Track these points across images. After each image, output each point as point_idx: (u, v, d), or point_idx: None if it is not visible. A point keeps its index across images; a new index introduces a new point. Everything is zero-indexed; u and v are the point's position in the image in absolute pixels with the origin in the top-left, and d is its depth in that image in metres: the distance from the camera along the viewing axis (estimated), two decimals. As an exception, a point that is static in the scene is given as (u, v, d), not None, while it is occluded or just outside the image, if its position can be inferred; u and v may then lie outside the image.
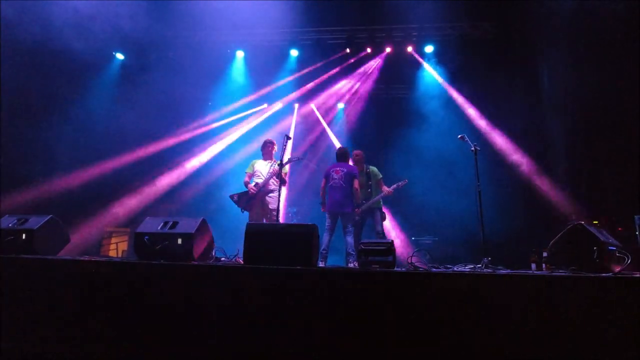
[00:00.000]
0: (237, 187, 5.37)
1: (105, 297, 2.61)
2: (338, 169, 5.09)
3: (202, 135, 8.51)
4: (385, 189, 5.35)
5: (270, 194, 5.10)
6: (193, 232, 3.05)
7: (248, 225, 3.04)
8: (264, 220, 5.07)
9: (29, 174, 6.46)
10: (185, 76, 7.81)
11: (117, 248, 7.74)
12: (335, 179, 5.03)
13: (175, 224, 3.16)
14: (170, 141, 8.13)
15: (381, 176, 5.50)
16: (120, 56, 7.87)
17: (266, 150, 5.26)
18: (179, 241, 3.05)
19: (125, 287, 2.63)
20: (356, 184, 4.99)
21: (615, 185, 5.77)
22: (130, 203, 7.84)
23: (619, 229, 5.24)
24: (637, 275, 2.34)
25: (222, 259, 3.56)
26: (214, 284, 2.60)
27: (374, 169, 5.53)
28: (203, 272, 2.68)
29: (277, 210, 4.63)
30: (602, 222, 5.37)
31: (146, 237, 3.03)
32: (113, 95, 7.66)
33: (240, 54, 8.20)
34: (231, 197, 5.22)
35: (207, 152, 8.49)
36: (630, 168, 5.51)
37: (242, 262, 2.99)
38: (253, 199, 5.07)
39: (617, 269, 2.53)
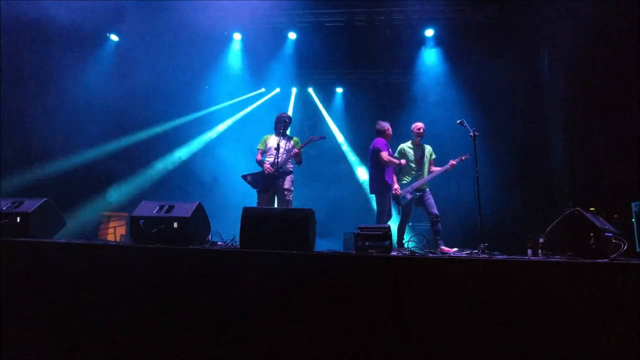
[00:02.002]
0: (237, 172, 5.26)
1: (100, 281, 2.60)
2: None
3: (200, 119, 8.42)
4: (451, 162, 4.94)
5: (287, 176, 4.85)
6: (189, 216, 3.03)
7: (244, 209, 3.02)
8: (276, 203, 4.84)
9: (24, 156, 6.41)
10: (182, 59, 7.68)
11: (115, 232, 7.74)
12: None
13: (171, 208, 3.14)
14: (167, 125, 8.05)
15: (434, 156, 5.17)
16: (114, 37, 7.71)
17: (280, 126, 4.92)
18: (175, 225, 3.03)
19: (120, 271, 2.63)
20: (383, 156, 4.66)
21: (612, 172, 5.77)
22: (129, 187, 7.83)
23: (615, 215, 5.25)
24: (634, 262, 2.34)
25: (219, 243, 3.55)
26: (210, 268, 2.59)
27: (428, 146, 5.18)
28: (199, 256, 2.67)
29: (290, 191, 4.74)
30: (598, 208, 5.37)
31: (142, 221, 3.01)
32: (108, 78, 7.54)
33: (237, 37, 8.04)
34: (244, 177, 4.92)
35: (204, 136, 8.42)
36: (628, 155, 5.50)
37: (239, 247, 2.98)
38: (269, 179, 4.77)
39: (614, 255, 2.53)
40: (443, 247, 4.43)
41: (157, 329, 2.48)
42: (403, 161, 4.91)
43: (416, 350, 2.24)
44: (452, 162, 4.91)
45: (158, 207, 3.15)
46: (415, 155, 5.00)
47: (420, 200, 4.91)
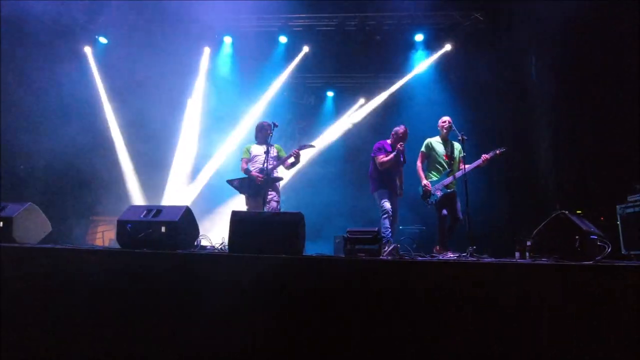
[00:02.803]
0: (226, 175, 5.24)
1: (85, 286, 2.56)
2: None
3: (188, 123, 8.36)
4: (483, 156, 4.53)
5: (275, 183, 4.86)
6: (177, 220, 3.01)
7: (233, 213, 3.00)
8: (265, 209, 4.77)
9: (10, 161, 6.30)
10: (172, 61, 7.63)
11: (103, 237, 7.65)
12: None
13: (158, 212, 3.12)
14: (158, 129, 7.98)
15: (464, 153, 4.50)
16: (103, 40, 7.65)
17: (262, 134, 4.94)
18: (163, 229, 3.00)
19: (106, 276, 2.59)
20: (379, 158, 4.73)
21: (598, 175, 5.87)
22: (119, 191, 7.76)
23: (601, 218, 5.33)
24: (617, 264, 2.38)
25: (208, 247, 3.53)
26: (199, 272, 2.57)
27: (458, 144, 4.71)
28: (187, 260, 2.64)
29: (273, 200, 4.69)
30: (585, 211, 5.46)
31: (129, 225, 2.98)
32: (98, 81, 7.48)
33: (228, 40, 8.03)
34: (230, 182, 4.89)
35: (195, 140, 8.36)
36: (614, 158, 5.61)
37: (227, 251, 2.96)
38: (257, 186, 4.74)
39: (598, 257, 2.57)
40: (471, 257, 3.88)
41: (144, 335, 2.44)
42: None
43: (408, 353, 2.24)
44: (485, 156, 4.53)
45: (145, 211, 3.13)
46: (444, 150, 4.69)
47: (448, 199, 4.56)
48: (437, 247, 4.39)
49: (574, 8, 5.59)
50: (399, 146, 4.65)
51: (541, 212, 5.94)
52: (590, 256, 2.54)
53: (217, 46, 8.10)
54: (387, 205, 4.62)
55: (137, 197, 7.92)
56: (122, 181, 7.90)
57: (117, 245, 3.18)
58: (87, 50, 7.63)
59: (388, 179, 4.78)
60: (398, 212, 4.89)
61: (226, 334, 2.40)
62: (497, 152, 4.58)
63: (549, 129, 6.74)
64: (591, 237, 2.66)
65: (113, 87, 7.63)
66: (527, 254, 3.21)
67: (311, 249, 6.63)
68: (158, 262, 2.62)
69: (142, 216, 3.09)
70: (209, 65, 8.25)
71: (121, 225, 3.01)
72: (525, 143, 6.99)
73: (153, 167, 8.00)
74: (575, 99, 6.20)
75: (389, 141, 4.86)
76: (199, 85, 8.32)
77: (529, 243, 3.19)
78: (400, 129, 4.79)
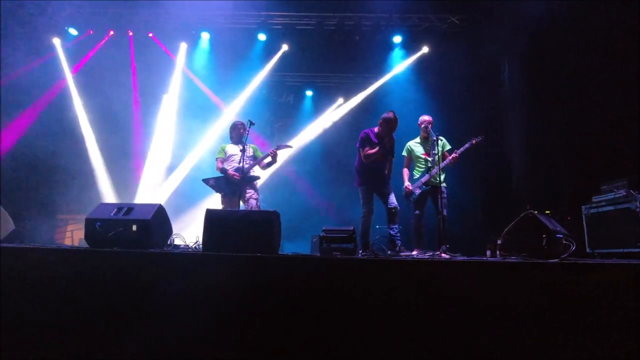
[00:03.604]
0: (201, 175, 5.15)
1: (50, 287, 2.46)
2: None
3: (163, 120, 8.17)
4: (453, 155, 4.52)
5: (252, 182, 4.81)
6: (149, 218, 2.94)
7: (207, 211, 2.96)
8: (245, 207, 4.70)
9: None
10: (146, 56, 7.44)
11: (73, 236, 7.40)
12: None
13: (130, 210, 3.03)
14: (131, 126, 7.77)
15: (449, 147, 4.64)
16: (73, 31, 7.37)
17: (236, 133, 4.92)
18: (134, 228, 2.93)
19: (74, 276, 2.49)
20: (365, 151, 4.33)
21: (567, 177, 6.11)
22: (88, 190, 7.51)
23: (569, 217, 5.55)
24: (581, 262, 2.48)
25: (181, 246, 3.46)
26: (171, 272, 2.51)
27: (442, 139, 4.62)
28: (159, 259, 2.58)
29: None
30: (553, 211, 5.66)
31: (98, 223, 2.88)
32: (67, 73, 7.20)
33: (205, 36, 7.89)
34: (205, 181, 4.80)
35: (170, 138, 8.17)
36: (581, 161, 5.85)
37: (202, 250, 2.91)
38: (233, 184, 4.68)
39: (564, 255, 2.66)
40: (444, 254, 3.69)
41: (111, 337, 2.37)
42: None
43: (385, 350, 2.26)
44: (455, 155, 4.52)
45: (116, 210, 3.04)
46: (423, 149, 4.68)
47: (432, 197, 4.56)
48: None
49: (545, 11, 5.79)
50: (385, 141, 4.41)
51: (513, 211, 6.13)
52: (556, 254, 2.63)
53: (194, 42, 7.95)
54: (367, 206, 4.41)
55: (108, 195, 7.68)
56: (93, 179, 7.66)
57: (86, 245, 3.08)
58: (56, 41, 7.35)
59: (375, 172, 4.42)
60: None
61: (200, 334, 2.36)
62: (474, 141, 4.64)
63: (520, 131, 6.96)
64: (557, 236, 2.76)
65: (84, 81, 7.37)
66: (498, 252, 3.30)
67: (288, 248, 6.63)
68: (128, 262, 2.54)
69: (112, 214, 3.00)
70: (186, 61, 8.08)
71: (90, 223, 2.91)
72: (499, 143, 7.20)
73: (126, 165, 7.78)
74: (545, 101, 6.43)
75: (376, 129, 4.43)
76: (175, 81, 8.14)
77: (499, 242, 3.27)
78: (389, 115, 4.34)
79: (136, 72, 7.49)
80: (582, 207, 5.01)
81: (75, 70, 7.49)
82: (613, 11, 5.31)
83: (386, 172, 4.57)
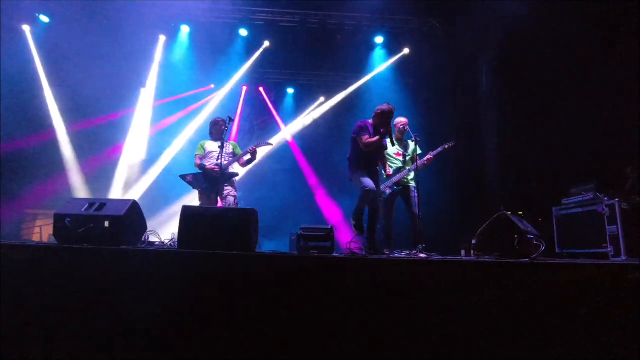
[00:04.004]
0: (179, 171, 5.03)
1: (12, 286, 2.35)
2: None
3: (140, 114, 7.96)
4: (427, 157, 4.54)
5: (231, 179, 4.72)
6: (122, 214, 2.86)
7: (184, 208, 2.90)
8: (223, 204, 4.63)
9: None
10: (123, 47, 7.21)
11: (42, 232, 7.12)
12: None
13: (102, 206, 2.94)
14: (104, 119, 7.53)
15: (420, 151, 4.61)
16: (44, 18, 7.07)
17: (216, 130, 4.82)
18: (106, 224, 2.84)
19: (40, 273, 2.39)
20: (364, 139, 4.03)
21: (538, 180, 6.32)
22: (58, 184, 7.23)
23: (540, 219, 5.74)
24: (550, 262, 2.56)
25: (156, 243, 3.38)
26: (144, 269, 2.45)
27: (413, 143, 4.63)
28: (131, 257, 2.51)
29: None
30: (526, 212, 5.84)
31: (68, 219, 2.78)
32: (37, 62, 6.91)
33: (185, 29, 7.73)
34: (183, 177, 4.68)
35: (146, 132, 7.98)
36: (552, 164, 6.07)
37: (177, 247, 2.85)
38: (212, 181, 4.59)
39: (534, 256, 2.75)
40: (421, 255, 3.74)
41: (79, 339, 2.29)
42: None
43: (357, 349, 2.27)
44: (429, 156, 4.57)
45: (87, 205, 2.94)
46: (397, 149, 4.65)
47: (403, 197, 4.55)
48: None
49: (520, 18, 5.95)
50: (383, 130, 4.24)
51: (488, 212, 6.29)
52: (527, 254, 2.71)
53: (173, 35, 7.77)
54: (369, 183, 3.98)
55: (81, 190, 7.43)
56: (64, 172, 7.38)
57: (55, 242, 2.96)
58: (26, 28, 7.03)
59: (370, 162, 4.21)
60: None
61: (173, 333, 2.31)
62: (447, 146, 4.67)
63: (495, 133, 7.14)
64: (528, 236, 2.84)
65: (54, 70, 7.08)
66: (472, 252, 3.37)
67: (268, 246, 6.59)
68: (98, 259, 2.46)
69: (83, 210, 2.90)
70: (164, 54, 7.89)
71: (59, 219, 2.80)
72: (475, 145, 7.36)
73: (100, 160, 7.55)
74: (519, 105, 6.63)
75: (370, 121, 4.27)
76: (152, 75, 7.94)
77: (474, 242, 3.35)
78: (385, 107, 4.19)
79: (111, 64, 7.25)
80: (553, 208, 5.19)
81: (45, 58, 7.20)
82: (584, 18, 5.52)
83: (377, 168, 4.43)
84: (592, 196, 4.61)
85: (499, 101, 7.04)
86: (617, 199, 4.25)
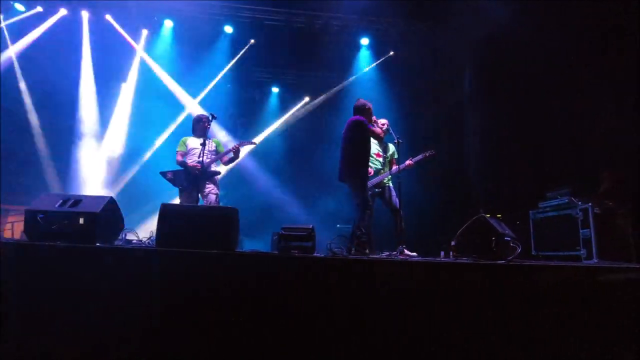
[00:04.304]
0: (159, 169, 4.94)
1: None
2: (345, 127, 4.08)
3: (120, 109, 7.77)
4: (407, 163, 4.60)
5: (212, 177, 4.66)
6: (98, 211, 2.78)
7: (163, 206, 2.84)
8: (204, 202, 4.58)
9: None
10: (103, 40, 7.03)
11: (13, 228, 6.88)
12: (342, 139, 4.05)
13: (77, 202, 2.85)
14: (80, 113, 7.33)
15: (397, 156, 4.59)
16: (20, 7, 6.82)
17: (200, 127, 4.75)
18: (81, 221, 2.75)
19: (10, 271, 2.31)
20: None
21: (517, 183, 6.47)
22: (37, 179, 7.01)
23: (517, 222, 5.88)
24: (525, 263, 2.62)
25: (133, 241, 3.31)
26: (119, 268, 2.39)
27: (392, 146, 4.69)
28: (107, 255, 2.44)
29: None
30: (504, 215, 5.97)
31: (40, 215, 2.69)
32: (10, 50, 6.66)
33: (168, 24, 7.59)
34: (162, 173, 4.59)
35: (125, 127, 7.79)
36: (530, 169, 6.23)
37: (155, 246, 2.79)
38: (194, 179, 4.52)
39: (510, 257, 2.81)
40: (406, 251, 3.83)
41: (50, 342, 2.22)
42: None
43: (336, 349, 2.27)
44: (409, 161, 4.63)
45: (61, 201, 2.85)
46: (377, 149, 4.65)
47: (382, 197, 4.56)
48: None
49: (504, 19, 6.08)
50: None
51: (469, 214, 6.41)
52: (504, 256, 2.77)
53: (156, 29, 7.61)
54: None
55: (57, 186, 7.22)
56: (40, 168, 7.15)
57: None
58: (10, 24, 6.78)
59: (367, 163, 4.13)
60: None
61: (152, 333, 2.26)
62: (427, 154, 4.73)
63: (477, 137, 7.29)
64: (505, 239, 2.90)
65: (29, 61, 6.85)
66: (451, 253, 3.43)
67: (250, 245, 6.54)
68: (72, 257, 2.39)
69: (57, 206, 2.81)
70: (146, 49, 7.73)
71: (30, 215, 2.71)
72: (457, 147, 7.49)
73: (76, 154, 7.34)
74: (500, 110, 6.77)
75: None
76: (134, 69, 7.77)
77: (453, 243, 3.40)
78: (364, 102, 4.26)
79: (90, 57, 7.06)
80: (530, 212, 5.32)
81: (20, 49, 6.95)
82: (564, 24, 5.68)
83: None
84: (567, 200, 4.75)
85: (481, 104, 7.18)
86: (590, 204, 4.39)
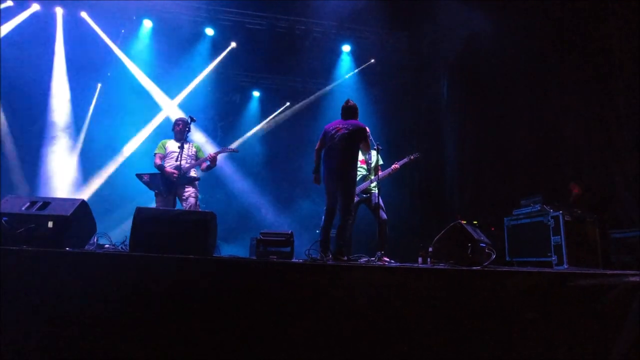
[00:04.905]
0: (135, 170, 4.80)
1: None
2: (341, 126, 3.92)
3: (93, 107, 7.54)
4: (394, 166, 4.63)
5: (192, 182, 4.58)
6: (68, 215, 2.68)
7: (137, 210, 2.76)
8: (183, 205, 4.50)
9: None
10: (77, 38, 6.83)
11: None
12: (336, 139, 3.86)
13: (46, 205, 2.75)
14: (57, 111, 7.08)
15: (382, 162, 4.59)
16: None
17: (178, 130, 4.67)
18: (50, 224, 2.65)
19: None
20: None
21: (493, 191, 6.63)
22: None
23: (492, 228, 6.01)
24: (500, 269, 2.68)
25: (106, 246, 3.20)
26: (90, 273, 2.30)
27: (374, 152, 4.60)
28: (77, 260, 2.35)
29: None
30: (480, 221, 6.11)
31: (5, 218, 2.56)
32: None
33: (147, 24, 7.44)
34: (139, 176, 4.50)
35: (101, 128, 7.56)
36: (505, 177, 6.40)
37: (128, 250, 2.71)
38: (171, 183, 4.43)
39: (485, 263, 2.87)
40: (385, 258, 3.78)
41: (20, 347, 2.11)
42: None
43: (312, 353, 2.25)
44: (395, 165, 4.68)
45: (29, 204, 2.73)
46: (361, 156, 4.51)
47: (367, 203, 4.54)
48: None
49: (481, 28, 6.27)
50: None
51: (446, 221, 6.52)
52: (479, 262, 2.82)
53: (134, 28, 7.45)
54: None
55: (24, 189, 6.91)
56: (6, 170, 6.84)
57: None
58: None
59: None
60: None
61: (126, 340, 2.18)
62: (412, 157, 4.78)
63: (454, 145, 7.45)
64: (481, 245, 2.96)
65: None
66: (429, 259, 3.47)
67: (227, 250, 6.44)
68: (39, 262, 2.28)
69: (23, 209, 2.69)
70: (123, 49, 7.55)
71: (-5, 218, 2.58)
72: (435, 154, 7.63)
73: (46, 155, 7.06)
74: (477, 116, 6.95)
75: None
76: (111, 69, 7.57)
77: (430, 249, 3.44)
78: (353, 103, 4.18)
79: (63, 55, 6.84)
80: (505, 218, 5.45)
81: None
82: (540, 33, 5.88)
83: None
84: (539, 208, 4.89)
85: (457, 111, 7.36)
86: (561, 211, 4.54)
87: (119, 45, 7.43)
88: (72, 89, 7.19)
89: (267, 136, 8.74)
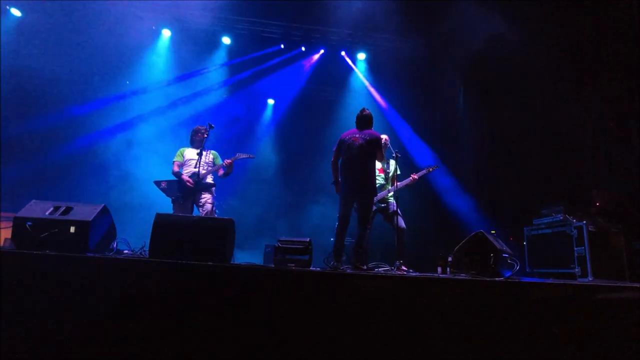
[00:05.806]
0: (155, 178, 4.86)
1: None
2: (358, 136, 3.92)
3: (117, 117, 7.67)
4: (412, 177, 4.63)
5: (209, 189, 4.65)
6: (90, 220, 2.71)
7: (157, 215, 2.78)
8: (200, 211, 4.58)
9: None
10: (99, 45, 6.99)
11: (0, 235, 6.67)
12: (353, 150, 3.86)
13: (68, 210, 2.79)
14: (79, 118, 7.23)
15: (399, 172, 4.52)
16: (16, 12, 6.76)
17: (196, 138, 4.76)
18: (72, 229, 2.68)
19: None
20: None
21: (511, 200, 6.50)
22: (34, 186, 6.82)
23: (510, 238, 5.88)
24: (524, 280, 2.60)
25: (125, 251, 3.22)
26: (112, 279, 2.31)
27: (393, 161, 4.58)
28: (99, 265, 2.37)
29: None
30: (497, 231, 5.98)
31: (29, 222, 2.61)
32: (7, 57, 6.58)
33: (166, 33, 7.60)
34: (156, 183, 4.61)
35: (121, 136, 7.69)
36: (524, 186, 6.27)
37: (147, 256, 2.72)
38: (188, 190, 4.51)
39: (508, 274, 2.79)
40: (403, 267, 3.79)
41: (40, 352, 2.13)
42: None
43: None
44: (414, 176, 4.66)
45: (52, 208, 2.78)
46: (380, 165, 4.62)
47: (384, 213, 4.55)
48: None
49: (500, 38, 6.19)
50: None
51: (463, 230, 6.41)
52: (502, 273, 2.75)
53: (153, 38, 7.61)
54: None
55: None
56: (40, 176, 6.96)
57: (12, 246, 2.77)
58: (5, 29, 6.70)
59: None
60: None
61: (145, 344, 2.18)
62: (430, 169, 4.79)
63: (471, 157, 7.34)
64: (503, 255, 2.88)
65: (31, 69, 6.75)
66: (448, 269, 3.39)
67: (242, 257, 6.43)
68: (62, 266, 2.31)
69: (47, 213, 2.74)
70: (142, 57, 7.70)
71: (19, 222, 2.63)
72: (453, 164, 7.53)
73: (72, 163, 7.20)
74: (496, 126, 6.85)
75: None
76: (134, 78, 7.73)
77: (450, 259, 3.37)
78: (368, 112, 4.17)
79: (85, 62, 7.01)
80: (524, 228, 5.32)
81: (17, 55, 6.87)
82: (559, 44, 5.79)
83: None
84: (561, 217, 4.76)
85: (475, 120, 7.26)
86: (584, 222, 4.41)
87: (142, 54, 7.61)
88: (95, 96, 7.36)
89: (281, 143, 8.76)
